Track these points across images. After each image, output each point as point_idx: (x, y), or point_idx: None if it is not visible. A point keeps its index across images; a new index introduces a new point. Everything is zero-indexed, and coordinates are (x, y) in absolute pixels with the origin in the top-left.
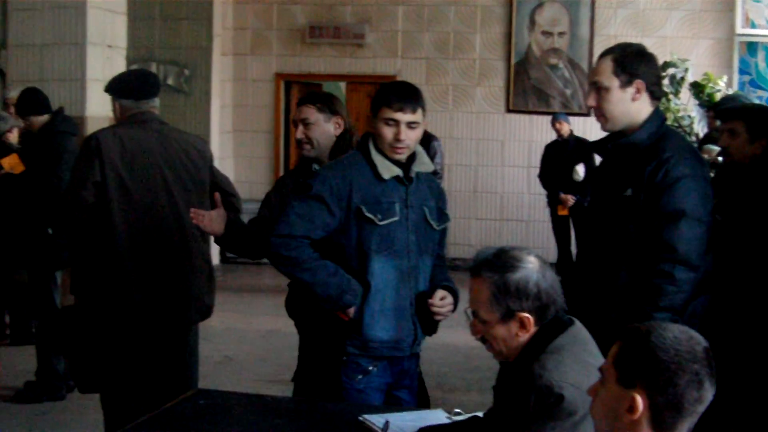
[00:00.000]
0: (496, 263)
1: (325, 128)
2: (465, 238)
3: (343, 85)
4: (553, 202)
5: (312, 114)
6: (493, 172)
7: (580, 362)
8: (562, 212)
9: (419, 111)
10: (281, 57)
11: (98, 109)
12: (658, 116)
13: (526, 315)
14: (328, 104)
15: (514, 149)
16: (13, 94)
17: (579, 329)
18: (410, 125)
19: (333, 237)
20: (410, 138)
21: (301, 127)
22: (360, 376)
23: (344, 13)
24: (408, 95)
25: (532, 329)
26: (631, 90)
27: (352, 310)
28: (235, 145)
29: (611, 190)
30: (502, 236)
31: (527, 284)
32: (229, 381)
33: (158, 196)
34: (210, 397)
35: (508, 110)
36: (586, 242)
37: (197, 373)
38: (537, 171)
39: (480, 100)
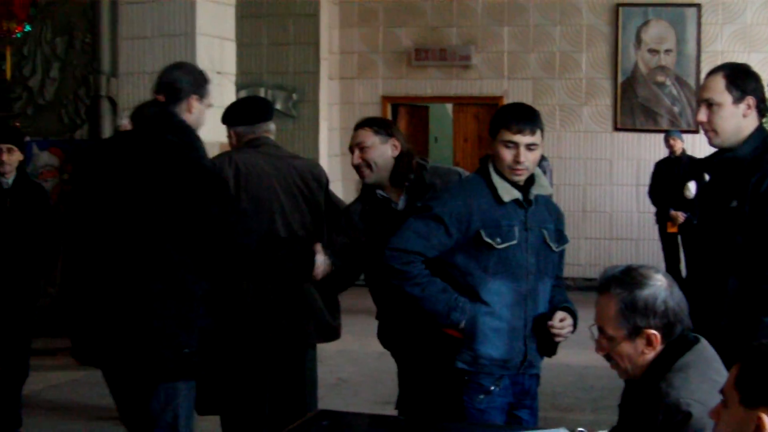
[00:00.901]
0: (625, 280)
1: (382, 151)
2: (574, 257)
3: (449, 106)
4: (662, 219)
5: (368, 137)
6: (602, 191)
7: (706, 380)
8: (672, 229)
9: (538, 132)
10: (387, 80)
11: (210, 135)
12: (760, 132)
13: (653, 332)
14: (384, 127)
15: (622, 168)
16: (125, 122)
17: (705, 347)
18: (529, 147)
19: (448, 257)
20: (529, 160)
21: (357, 152)
22: (481, 396)
23: (450, 35)
24: (527, 117)
25: (659, 347)
26: (742, 106)
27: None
28: (344, 168)
29: (718, 203)
30: (611, 255)
31: (655, 301)
32: (343, 403)
33: (274, 219)
34: (333, 418)
35: (616, 129)
36: (696, 256)
37: (316, 395)
38: (646, 189)
39: (587, 120)
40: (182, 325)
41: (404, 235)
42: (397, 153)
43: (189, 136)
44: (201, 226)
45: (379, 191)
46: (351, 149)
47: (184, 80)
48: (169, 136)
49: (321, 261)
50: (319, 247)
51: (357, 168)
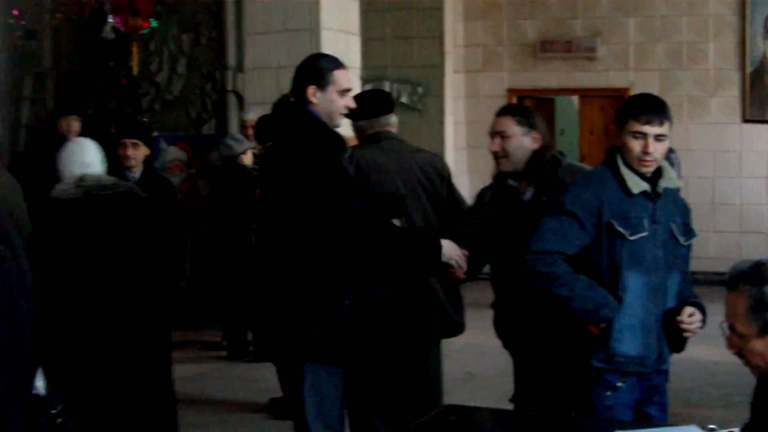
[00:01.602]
0: (754, 275)
1: (522, 142)
2: (703, 251)
3: (575, 98)
4: None
5: (510, 126)
6: (731, 184)
7: None
8: None
9: (666, 123)
10: (513, 72)
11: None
12: None
13: None
14: (528, 117)
15: (752, 160)
16: (251, 116)
17: None
18: (658, 138)
19: (585, 254)
20: (658, 151)
21: (497, 140)
22: (609, 393)
23: (575, 26)
24: (655, 108)
25: None
26: None
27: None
28: (469, 161)
29: None
30: (741, 249)
31: None
32: (471, 397)
33: None
34: (461, 413)
35: (745, 120)
36: None
37: (441, 390)
38: None
39: (715, 111)
40: (309, 311)
41: (541, 235)
42: (536, 146)
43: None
44: (326, 220)
45: (510, 180)
46: (491, 135)
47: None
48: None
49: (450, 248)
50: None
51: (494, 155)
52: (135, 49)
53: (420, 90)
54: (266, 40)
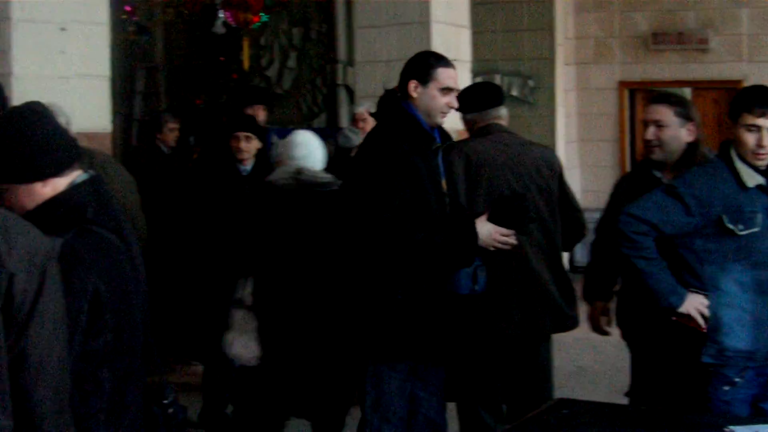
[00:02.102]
0: None
1: (678, 133)
2: None
3: (688, 91)
4: None
5: (667, 116)
6: None
7: None
8: None
9: None
10: (624, 65)
11: (448, 123)
12: None
13: None
14: (686, 108)
15: None
16: (361, 109)
17: None
18: None
19: (687, 241)
20: None
21: (652, 128)
22: (726, 388)
23: (687, 18)
24: None
25: None
26: None
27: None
28: (581, 154)
29: None
30: None
31: None
32: (583, 392)
33: None
34: (572, 407)
35: None
36: None
37: (552, 384)
38: None
39: None
40: (362, 309)
41: (644, 204)
42: (691, 139)
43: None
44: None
45: (656, 171)
46: (645, 123)
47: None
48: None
49: (486, 230)
50: (482, 218)
51: (647, 143)
52: (246, 44)
53: (531, 83)
54: (376, 34)
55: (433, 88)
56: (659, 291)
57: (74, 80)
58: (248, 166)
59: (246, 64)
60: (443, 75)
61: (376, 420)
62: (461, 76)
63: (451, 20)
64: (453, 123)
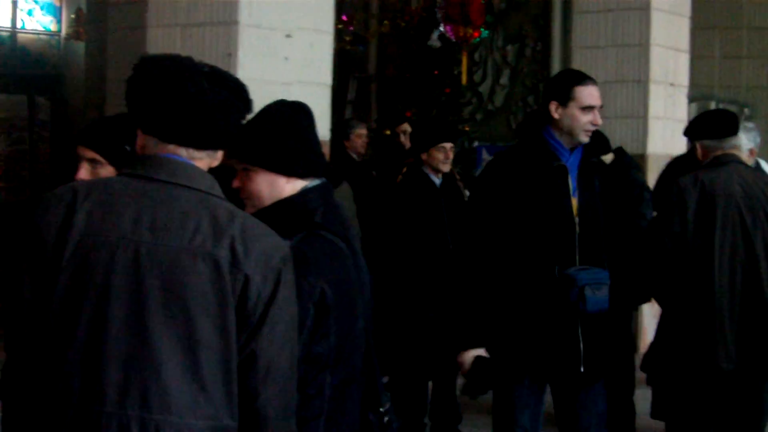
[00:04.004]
0: None
1: None
2: None
3: None
4: None
5: None
6: None
7: None
8: None
9: None
10: None
11: (659, 147)
12: None
13: None
14: None
15: None
16: None
17: None
18: None
19: None
20: None
21: None
22: None
23: None
24: None
25: None
26: None
27: None
28: None
29: None
30: None
31: None
32: None
33: (735, 241)
34: None
35: None
36: None
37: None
38: None
39: None
40: None
41: None
42: None
43: None
44: None
45: None
46: None
47: None
48: None
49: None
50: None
51: None
52: (465, 59)
53: (747, 111)
54: (593, 54)
55: (573, 108)
56: None
57: (296, 87)
58: (440, 178)
59: (465, 79)
60: (583, 94)
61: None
62: (678, 101)
63: (670, 44)
64: (662, 147)
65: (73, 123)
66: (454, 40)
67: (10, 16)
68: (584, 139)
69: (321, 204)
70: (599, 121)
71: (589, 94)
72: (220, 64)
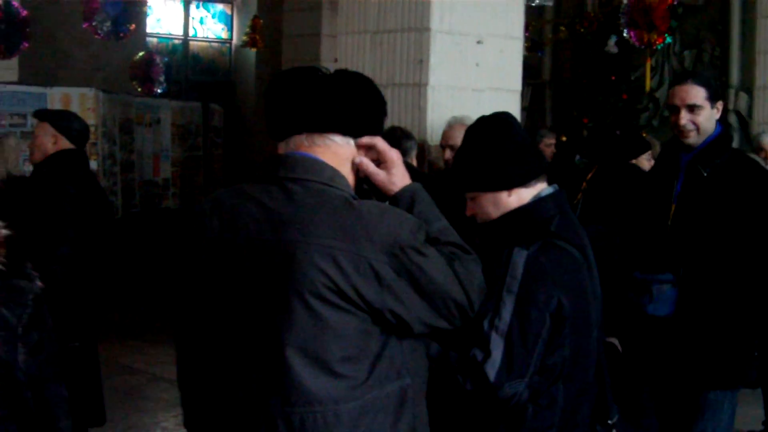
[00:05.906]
0: None
1: None
2: None
3: None
4: None
5: None
6: None
7: None
8: None
9: None
10: None
11: None
12: None
13: None
14: None
15: None
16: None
17: None
18: None
19: None
20: None
21: None
22: None
23: None
24: None
25: None
26: None
27: None
28: None
29: None
30: None
31: None
32: None
33: None
34: None
35: None
36: None
37: None
38: None
39: None
40: None
41: None
42: None
43: None
44: None
45: None
46: None
47: None
48: None
49: None
50: None
51: None
52: (648, 65)
53: None
54: None
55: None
56: None
57: (487, 93)
58: None
59: (648, 85)
60: (671, 93)
61: None
62: None
63: None
64: None
65: (246, 129)
66: (637, 46)
67: (182, 24)
68: (683, 140)
69: (557, 212)
70: (683, 121)
71: (673, 93)
72: (411, 71)
